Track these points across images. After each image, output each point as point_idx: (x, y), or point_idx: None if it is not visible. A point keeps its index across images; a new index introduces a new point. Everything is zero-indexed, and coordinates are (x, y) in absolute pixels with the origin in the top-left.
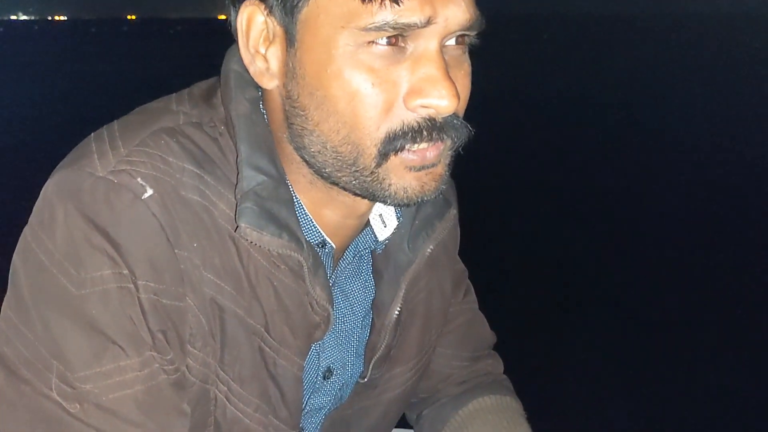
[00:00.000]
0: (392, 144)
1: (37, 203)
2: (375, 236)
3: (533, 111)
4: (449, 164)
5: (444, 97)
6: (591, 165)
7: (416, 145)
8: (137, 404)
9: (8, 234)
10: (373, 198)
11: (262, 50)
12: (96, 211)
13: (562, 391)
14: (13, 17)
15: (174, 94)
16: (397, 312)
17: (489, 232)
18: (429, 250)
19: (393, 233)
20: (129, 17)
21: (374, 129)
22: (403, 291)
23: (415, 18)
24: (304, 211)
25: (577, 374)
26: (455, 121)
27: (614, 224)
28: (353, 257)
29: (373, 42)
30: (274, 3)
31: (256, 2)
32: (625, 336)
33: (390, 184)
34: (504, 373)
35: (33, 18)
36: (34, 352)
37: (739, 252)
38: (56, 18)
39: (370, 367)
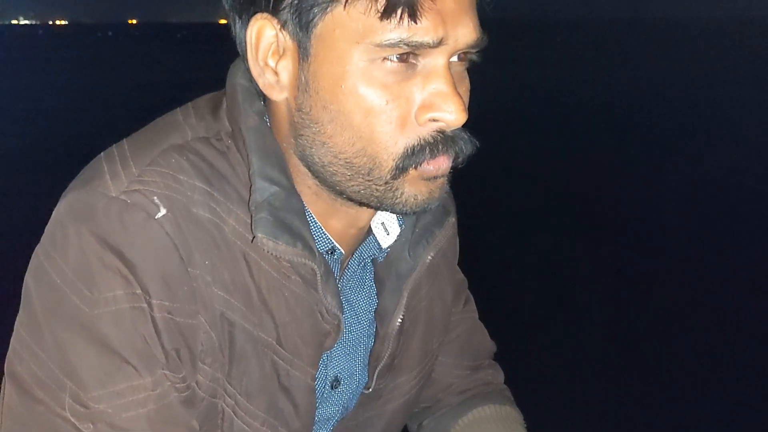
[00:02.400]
0: (411, 159)
1: (49, 224)
2: (378, 244)
3: (533, 117)
4: (449, 174)
5: (454, 112)
6: (592, 171)
7: (434, 159)
8: (149, 423)
9: (8, 236)
10: (380, 206)
11: (272, 63)
12: (110, 231)
13: (562, 402)
14: (14, 21)
15: (179, 108)
16: (399, 320)
17: (489, 239)
18: (429, 257)
19: (394, 242)
20: (130, 21)
21: (392, 144)
22: (406, 299)
23: (429, 38)
24: (314, 219)
25: (576, 384)
26: (463, 135)
27: (616, 233)
28: (358, 265)
29: (386, 58)
30: (288, 17)
31: (267, 16)
32: (626, 348)
33: (402, 193)
34: (504, 382)
35: (34, 22)
36: (47, 372)
37: (739, 257)
38: (57, 22)
39: (375, 376)
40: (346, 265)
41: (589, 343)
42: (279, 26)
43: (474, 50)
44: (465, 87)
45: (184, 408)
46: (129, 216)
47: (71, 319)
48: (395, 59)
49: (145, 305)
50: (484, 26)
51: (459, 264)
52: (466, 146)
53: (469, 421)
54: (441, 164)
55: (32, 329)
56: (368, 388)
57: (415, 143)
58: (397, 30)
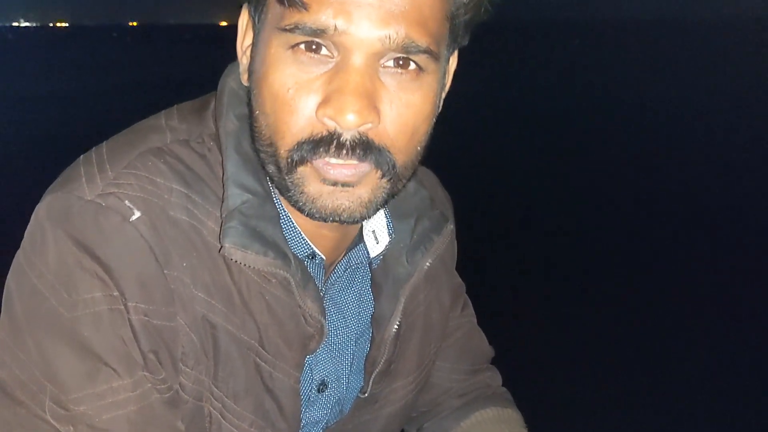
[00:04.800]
0: (298, 152)
1: (28, 227)
2: (367, 252)
3: (535, 118)
4: (381, 193)
5: (344, 111)
6: (594, 173)
7: (318, 158)
8: (130, 424)
9: (6, 241)
10: (294, 204)
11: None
12: (85, 234)
13: (561, 405)
14: (15, 24)
15: (164, 110)
16: (396, 325)
17: (489, 241)
18: (427, 264)
19: (392, 248)
20: (131, 23)
21: (289, 134)
22: (402, 304)
23: (325, 24)
24: (293, 224)
25: (575, 388)
26: (374, 146)
27: (617, 237)
28: (344, 271)
29: (296, 46)
30: (252, 6)
31: (248, 7)
32: (624, 350)
33: (302, 192)
34: (502, 385)
35: (34, 24)
36: (28, 375)
37: (736, 260)
38: (58, 24)
39: (371, 381)
40: (333, 269)
41: (589, 345)
42: (250, 15)
43: (407, 56)
44: (407, 99)
45: (167, 409)
46: (104, 219)
47: (51, 321)
48: (305, 48)
49: (123, 307)
50: (428, 31)
51: (458, 267)
52: (379, 161)
53: (472, 424)
54: (341, 169)
55: (13, 332)
56: (364, 393)
57: (306, 137)
58: (294, 15)
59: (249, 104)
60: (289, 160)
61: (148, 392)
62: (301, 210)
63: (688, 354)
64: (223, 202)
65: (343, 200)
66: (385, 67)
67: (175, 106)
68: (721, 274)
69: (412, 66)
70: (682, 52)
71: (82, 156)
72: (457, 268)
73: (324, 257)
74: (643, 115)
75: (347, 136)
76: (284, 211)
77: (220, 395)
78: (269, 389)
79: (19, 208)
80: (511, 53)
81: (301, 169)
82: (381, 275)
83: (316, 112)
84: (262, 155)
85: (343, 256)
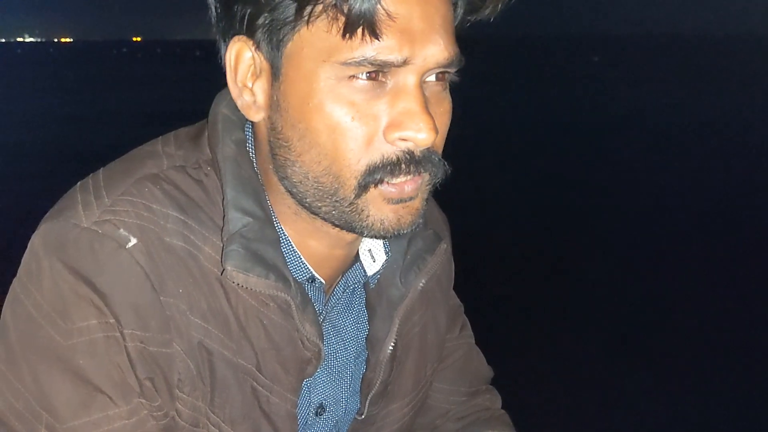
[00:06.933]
0: (372, 177)
1: (25, 255)
2: (364, 271)
3: (528, 134)
4: (427, 199)
5: (422, 130)
6: (588, 189)
7: (395, 179)
8: None
9: (6, 252)
10: (351, 229)
11: (250, 84)
12: (81, 261)
13: (562, 426)
14: (19, 39)
15: (161, 136)
16: (391, 347)
17: (486, 258)
18: (421, 284)
19: (385, 268)
20: (135, 39)
21: (355, 162)
22: (397, 326)
23: (393, 57)
24: (293, 248)
25: (575, 410)
26: (433, 157)
27: (612, 254)
28: (343, 292)
29: (353, 77)
30: (262, 38)
31: (244, 38)
32: (630, 371)
33: (368, 216)
34: (502, 407)
35: (39, 40)
36: (23, 403)
37: (733, 264)
38: (62, 40)
39: (367, 403)
40: (332, 292)
41: (593, 367)
42: (254, 47)
43: (449, 69)
44: (443, 108)
45: None
46: (99, 246)
47: (46, 350)
48: (364, 77)
49: (118, 334)
50: (463, 46)
51: (458, 285)
52: (436, 169)
53: None
54: (404, 187)
55: (9, 361)
56: (361, 415)
57: (378, 161)
58: (361, 49)
59: (276, 139)
60: (359, 184)
61: (144, 419)
62: (361, 233)
63: (689, 361)
64: (223, 226)
65: (406, 215)
66: (425, 82)
67: (172, 132)
68: (720, 276)
69: (441, 77)
70: (690, 66)
71: (79, 183)
72: (457, 286)
73: (323, 281)
74: (634, 131)
75: (418, 153)
76: (284, 235)
77: (217, 421)
78: (266, 414)
79: (20, 227)
80: (529, 66)
81: (369, 192)
82: (375, 297)
83: (385, 136)
84: (303, 188)
85: (341, 277)
